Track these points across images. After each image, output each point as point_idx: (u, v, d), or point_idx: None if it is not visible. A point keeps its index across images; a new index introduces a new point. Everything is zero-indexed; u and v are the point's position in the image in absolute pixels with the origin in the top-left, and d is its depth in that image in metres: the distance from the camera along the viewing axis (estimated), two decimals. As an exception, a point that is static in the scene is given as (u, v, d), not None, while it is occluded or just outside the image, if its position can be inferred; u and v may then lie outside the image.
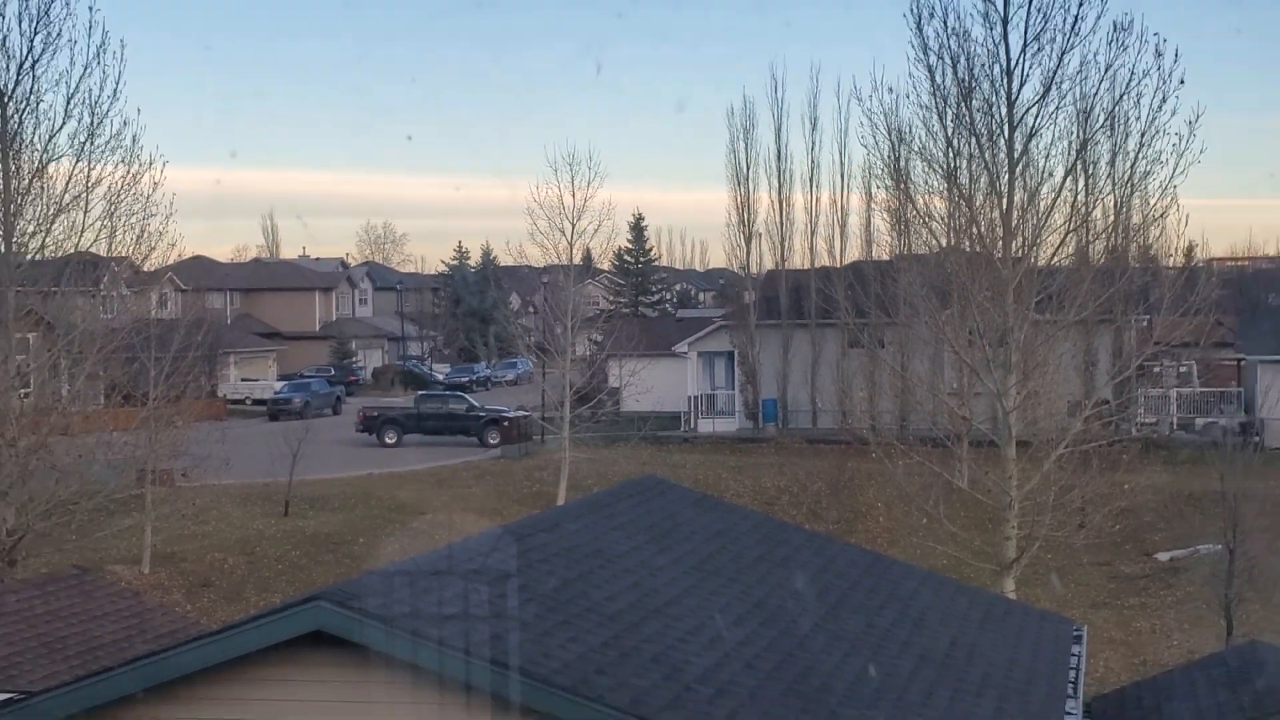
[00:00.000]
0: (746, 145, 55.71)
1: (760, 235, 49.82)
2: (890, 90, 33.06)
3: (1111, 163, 32.27)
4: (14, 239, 26.49)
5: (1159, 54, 26.24)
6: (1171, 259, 35.42)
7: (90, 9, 27.07)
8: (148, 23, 58.54)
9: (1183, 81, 25.90)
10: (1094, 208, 30.39)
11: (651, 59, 65.81)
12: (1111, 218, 33.10)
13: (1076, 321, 27.81)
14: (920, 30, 26.63)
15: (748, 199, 49.93)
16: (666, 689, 11.27)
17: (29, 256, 26.97)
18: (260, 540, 33.25)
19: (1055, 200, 26.88)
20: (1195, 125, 25.73)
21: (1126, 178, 31.72)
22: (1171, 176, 26.34)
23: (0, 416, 25.66)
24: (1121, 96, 26.59)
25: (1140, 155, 26.95)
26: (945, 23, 26.54)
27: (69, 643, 18.06)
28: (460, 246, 70.36)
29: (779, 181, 50.19)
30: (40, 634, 18.10)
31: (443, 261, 72.83)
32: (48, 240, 26.97)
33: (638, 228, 64.52)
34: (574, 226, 39.09)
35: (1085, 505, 26.89)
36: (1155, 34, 26.42)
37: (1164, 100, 25.60)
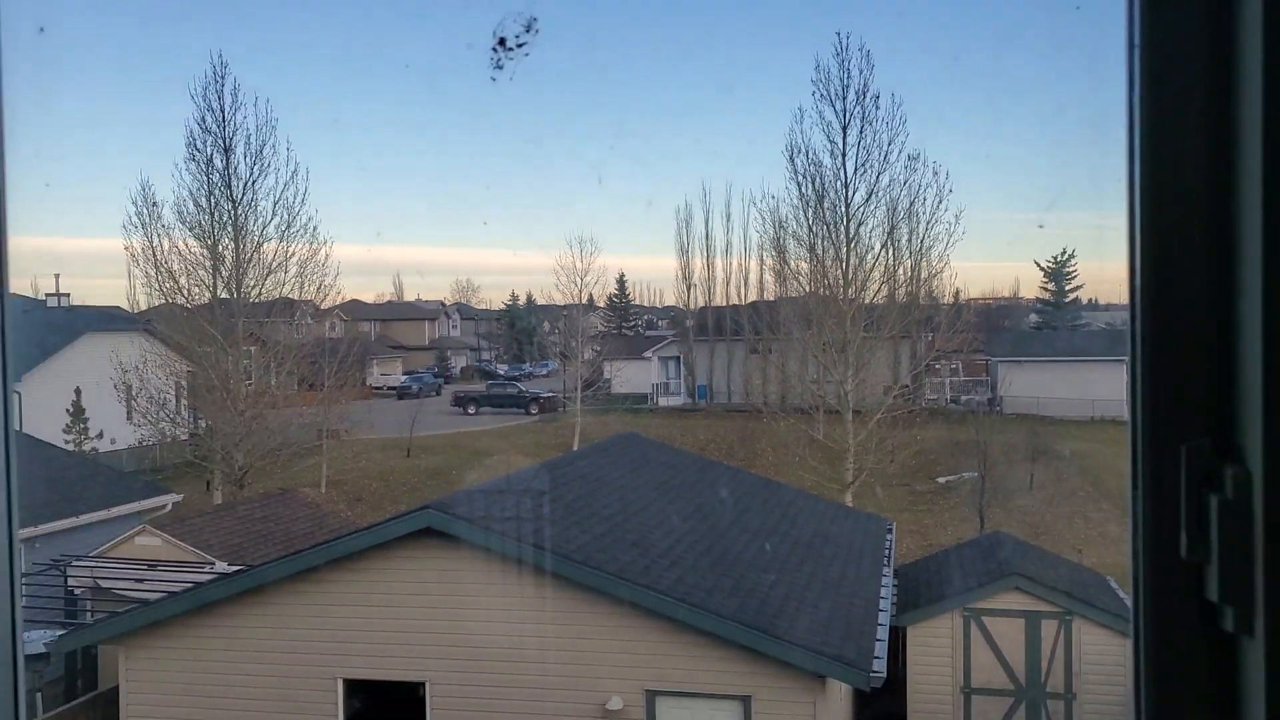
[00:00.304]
0: (686, 230, 70.84)
1: (695, 285, 58.97)
2: (773, 196, 42.48)
3: (909, 239, 35.34)
4: (241, 290, 34.50)
5: (935, 173, 36.39)
6: (946, 299, 39.38)
7: (288, 149, 35.88)
8: (326, 150, 68.54)
9: (951, 190, 35.00)
10: (898, 268, 36.25)
11: (631, 173, 76.65)
12: (909, 274, 37.00)
13: (888, 337, 35.68)
14: (792, 160, 34.78)
15: (687, 262, 59.49)
16: (640, 562, 14.50)
17: (250, 300, 34.62)
18: (392, 472, 38.00)
19: (874, 264, 34.83)
20: (959, 217, 35.77)
21: (918, 249, 35.47)
22: (945, 248, 35.06)
23: (234, 398, 33.35)
24: (914, 200, 33.94)
25: (925, 235, 34.47)
26: (807, 156, 34.60)
27: (275, 535, 22.70)
28: (513, 293, 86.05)
29: (706, 252, 60.20)
30: (258, 529, 22.93)
31: (503, 301, 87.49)
32: (262, 290, 34.88)
33: (621, 281, 79.05)
34: (582, 280, 48.44)
35: (894, 449, 33.29)
36: (934, 160, 36.25)
37: (940, 202, 34.06)
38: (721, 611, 13.74)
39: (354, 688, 15.02)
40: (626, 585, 13.71)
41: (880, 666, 13.38)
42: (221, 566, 19.03)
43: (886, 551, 19.67)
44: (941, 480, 36.48)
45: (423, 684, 14.46)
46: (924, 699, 17.19)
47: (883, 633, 14.61)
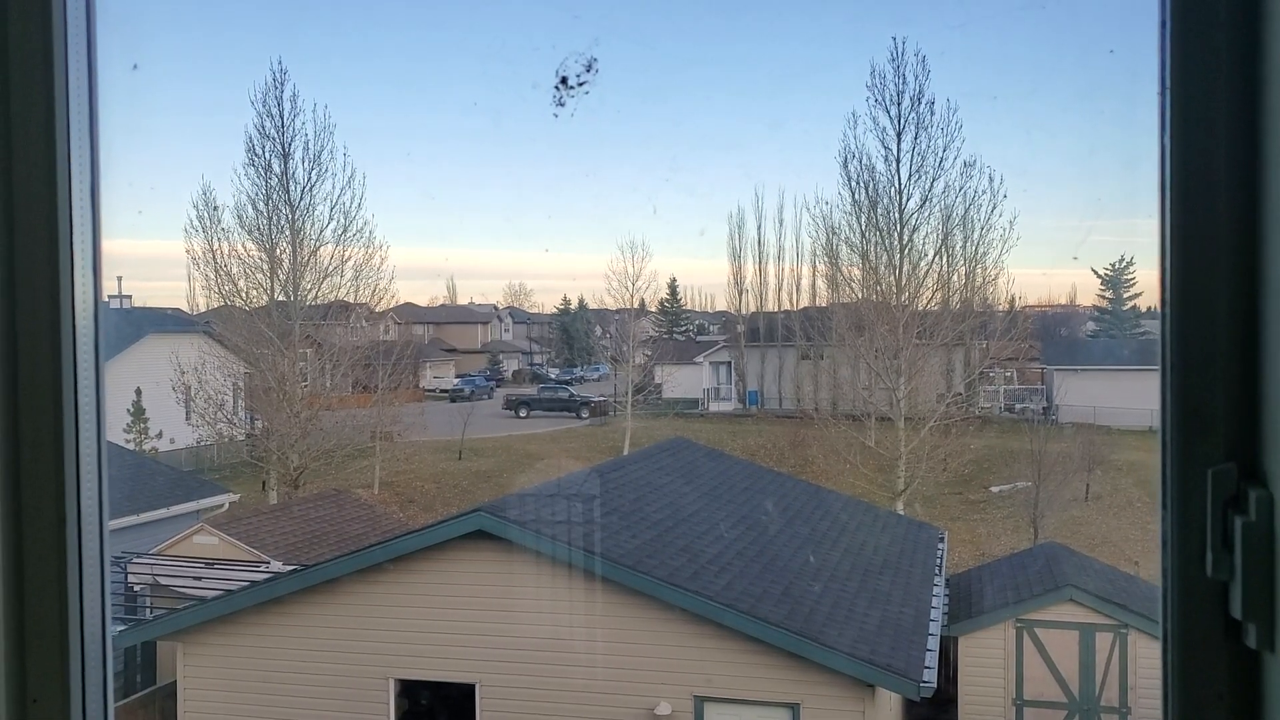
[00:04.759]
0: (739, 235, 70.72)
1: (747, 290, 57.02)
2: (826, 203, 40.94)
3: (963, 246, 34.56)
4: (298, 293, 34.62)
5: (991, 180, 35.12)
6: (1001, 306, 38.31)
7: (344, 154, 37.77)
8: (381, 158, 69.43)
9: (1005, 196, 33.00)
10: (952, 275, 35.14)
11: (683, 203, 76.99)
12: (963, 281, 35.81)
13: (941, 344, 34.95)
14: (845, 166, 34.03)
15: (740, 267, 57.00)
16: (689, 567, 14.48)
17: (308, 303, 34.45)
18: (444, 474, 37.82)
19: (928, 271, 34.22)
20: (1014, 223, 33.64)
21: (973, 256, 34.53)
22: (999, 255, 33.86)
23: (290, 399, 33.32)
24: (969, 207, 33.02)
25: (980, 242, 33.66)
26: (860, 162, 33.84)
27: (329, 535, 22.61)
28: (565, 298, 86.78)
29: (759, 257, 60.68)
30: (312, 529, 22.90)
31: (555, 306, 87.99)
32: (318, 294, 34.90)
33: (673, 286, 78.97)
34: (633, 285, 46.77)
35: (946, 457, 32.09)
36: (989, 166, 34.22)
37: (994, 208, 32.85)
38: (770, 618, 13.73)
39: (405, 687, 15.18)
40: (676, 590, 13.75)
41: (930, 676, 13.33)
42: (277, 566, 19.25)
43: (938, 561, 19.71)
44: (995, 489, 35.80)
45: (473, 685, 14.58)
46: (975, 710, 17.11)
47: (933, 642, 14.54)
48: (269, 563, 19.81)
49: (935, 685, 13.48)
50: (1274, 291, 1.02)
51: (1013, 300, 38.15)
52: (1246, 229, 1.05)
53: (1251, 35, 1.03)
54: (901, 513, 29.07)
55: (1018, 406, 42.94)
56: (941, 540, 21.55)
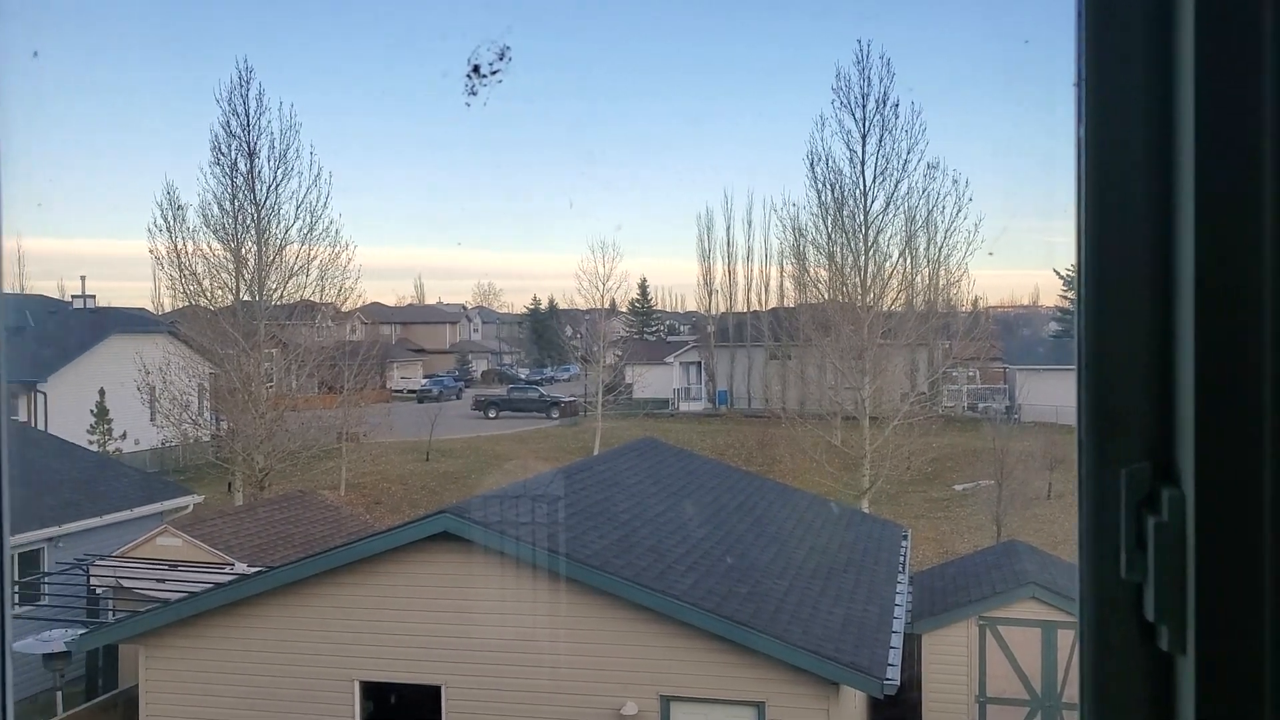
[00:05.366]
0: (708, 237, 71.62)
1: (717, 291, 59.89)
2: (794, 204, 42.91)
3: (927, 248, 36.11)
4: (263, 293, 34.68)
5: (955, 182, 37.57)
6: (964, 307, 39.32)
7: (311, 152, 38.46)
8: (347, 158, 69.55)
9: (970, 199, 35.14)
10: (916, 276, 37.02)
11: (654, 182, 77.89)
12: (927, 282, 37.72)
13: (906, 344, 36.07)
14: (812, 168, 35.47)
15: (709, 268, 60.81)
16: (655, 567, 14.69)
17: (273, 303, 35.14)
18: (411, 475, 38.60)
19: (892, 271, 35.38)
20: (978, 225, 35.54)
21: (936, 258, 36.28)
22: (963, 257, 35.77)
23: (255, 400, 33.45)
24: (932, 209, 34.37)
25: (944, 244, 35.00)
26: (827, 164, 35.30)
27: (295, 537, 22.77)
28: (535, 298, 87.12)
29: (728, 258, 62.30)
30: (278, 531, 23.06)
31: (525, 306, 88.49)
32: (284, 294, 35.21)
33: (643, 286, 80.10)
34: (604, 285, 48.71)
35: (910, 456, 33.42)
36: (954, 168, 36.60)
37: (959, 210, 35.77)
38: (736, 617, 13.74)
39: (370, 689, 15.12)
40: (642, 590, 13.77)
41: (894, 674, 13.39)
42: (241, 567, 19.18)
43: (902, 559, 19.64)
44: (958, 488, 36.57)
45: (439, 687, 14.53)
46: (939, 707, 17.24)
47: (897, 640, 14.60)
48: (233, 564, 19.68)
49: (899, 683, 13.52)
50: (1185, 288, 1.00)
51: (976, 301, 39.01)
52: (1161, 226, 1.04)
53: (1165, 25, 1.01)
54: (867, 511, 29.11)
55: (980, 406, 43.41)
56: (905, 538, 21.58)
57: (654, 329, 78.40)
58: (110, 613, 19.24)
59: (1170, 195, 1.03)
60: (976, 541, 29.21)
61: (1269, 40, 0.96)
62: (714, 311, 59.17)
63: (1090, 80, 1.05)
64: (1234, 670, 0.96)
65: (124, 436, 37.94)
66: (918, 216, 34.64)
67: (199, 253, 34.53)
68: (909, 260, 35.84)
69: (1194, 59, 0.98)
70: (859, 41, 35.26)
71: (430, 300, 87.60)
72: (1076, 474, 1.08)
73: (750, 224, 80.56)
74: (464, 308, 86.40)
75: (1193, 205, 0.99)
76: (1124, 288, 1.05)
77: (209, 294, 34.97)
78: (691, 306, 73.39)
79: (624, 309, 73.02)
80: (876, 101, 33.78)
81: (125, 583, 19.61)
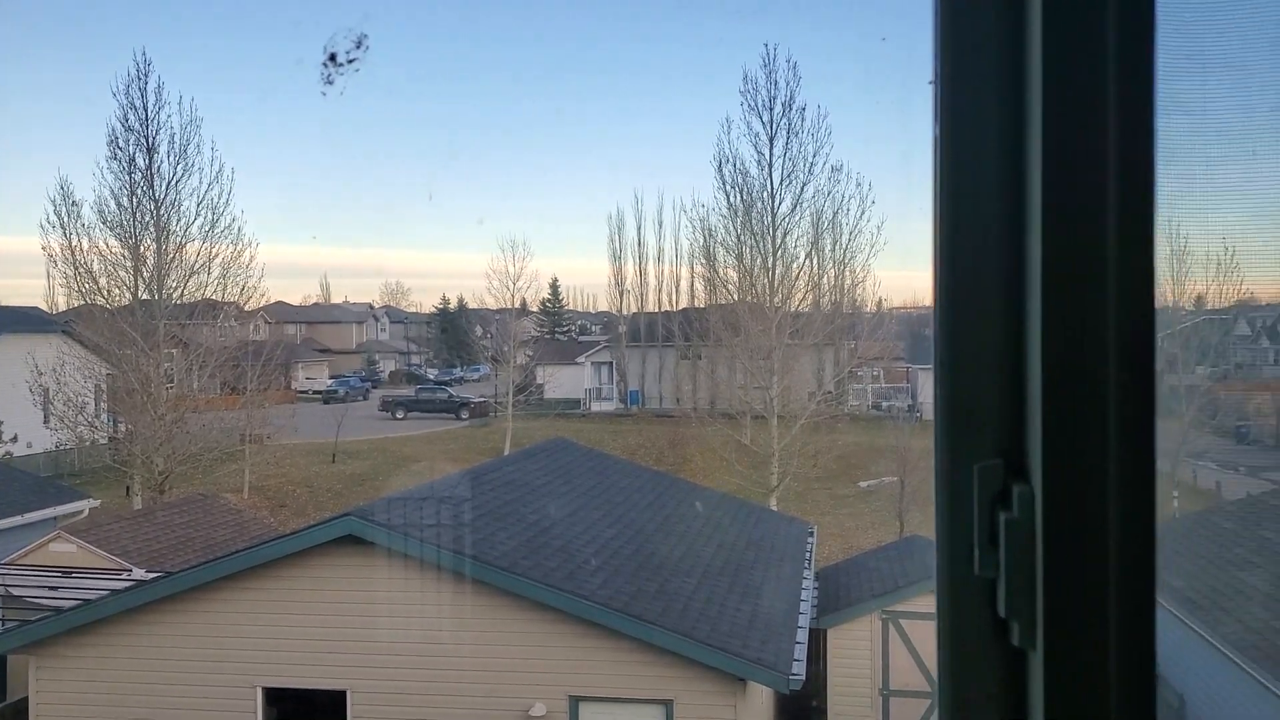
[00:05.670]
0: (619, 237, 71.95)
1: (628, 291, 60.51)
2: (703, 205, 43.32)
3: (833, 249, 36.61)
4: (163, 291, 33.89)
5: (859, 185, 38.08)
6: (869, 307, 40.16)
7: (213, 147, 38.19)
8: (250, 153, 68.32)
9: (873, 202, 35.35)
10: (822, 277, 37.46)
11: (565, 181, 78.20)
12: (833, 283, 38.09)
13: (813, 344, 36.53)
14: (720, 170, 35.86)
15: (620, 269, 61.11)
16: (565, 567, 14.63)
17: (173, 302, 34.30)
18: (317, 478, 38.42)
19: (800, 272, 35.84)
20: (880, 228, 35.58)
21: (842, 259, 36.84)
22: (867, 258, 36.93)
23: (155, 401, 32.80)
24: (837, 211, 35.06)
25: (849, 245, 35.72)
26: (735, 166, 35.56)
27: (195, 541, 22.52)
28: (444, 297, 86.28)
29: (639, 259, 62.98)
30: (178, 536, 22.72)
31: (434, 305, 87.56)
32: (184, 292, 34.45)
33: (554, 286, 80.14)
34: (515, 284, 48.72)
35: (817, 454, 33.74)
36: (857, 172, 37.17)
37: (863, 212, 35.28)
38: (645, 616, 13.76)
39: (273, 696, 14.85)
40: (550, 591, 13.73)
41: (799, 669, 13.52)
42: (139, 573, 18.78)
43: (808, 555, 19.80)
44: (863, 484, 37.10)
45: (344, 692, 14.35)
46: (844, 701, 17.48)
47: (802, 635, 14.75)
48: (131, 570, 19.25)
49: (804, 677, 13.69)
50: (1033, 288, 1.01)
51: (880, 301, 39.72)
52: (1014, 226, 1.05)
53: (1017, 22, 1.02)
54: (775, 508, 29.47)
55: (884, 404, 43.94)
56: (811, 534, 21.85)
57: (565, 329, 78.37)
58: (0, 622, 18.50)
59: (1022, 196, 1.04)
60: (880, 537, 29.69)
61: (1112, 38, 0.97)
62: (625, 312, 59.85)
63: (946, 77, 1.06)
64: (1081, 665, 0.97)
65: (15, 440, 36.91)
66: (823, 219, 35.24)
67: (95, 250, 33.79)
68: (816, 261, 36.42)
69: (1041, 57, 0.99)
70: (765, 45, 34.88)
71: (336, 299, 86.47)
72: (934, 472, 1.08)
73: (661, 225, 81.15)
74: (371, 307, 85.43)
75: (1040, 207, 1.00)
76: (977, 288, 1.05)
77: (106, 292, 34.19)
78: (603, 306, 73.62)
79: (535, 309, 72.90)
80: (783, 105, 34.28)
81: (16, 591, 18.97)
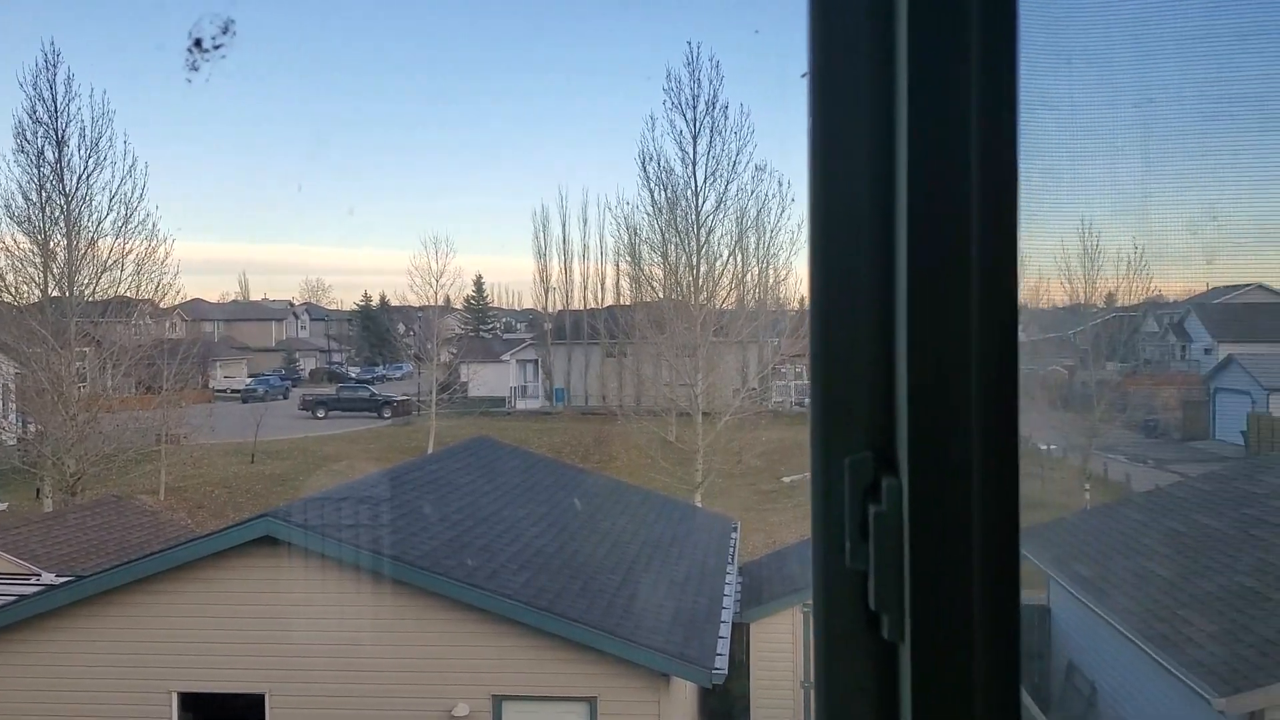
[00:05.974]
0: (544, 234, 71.79)
1: (554, 289, 59.82)
2: (628, 203, 43.13)
3: (756, 248, 37.17)
4: (74, 288, 33.10)
5: (780, 184, 36.74)
6: (792, 305, 40.41)
7: (125, 141, 35.96)
8: (169, 147, 66.62)
9: (794, 200, 35.65)
10: (746, 274, 37.90)
11: (490, 178, 78.18)
12: (756, 280, 38.83)
13: (737, 342, 36.79)
14: (644, 167, 36.05)
15: (545, 266, 60.40)
16: (488, 567, 14.57)
17: (85, 299, 33.49)
18: (236, 478, 37.38)
19: (723, 271, 36.09)
20: (801, 226, 35.94)
21: (764, 256, 37.55)
22: (789, 256, 36.62)
23: (66, 401, 31.84)
24: (760, 209, 35.48)
25: (771, 243, 36.28)
26: (659, 163, 35.96)
27: (109, 544, 21.84)
28: (366, 294, 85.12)
29: (564, 256, 62.65)
30: (90, 539, 22.15)
31: (355, 303, 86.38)
32: (97, 289, 33.70)
33: (479, 283, 79.50)
34: (438, 281, 48.32)
35: (741, 450, 33.84)
36: (778, 170, 35.97)
37: (784, 211, 35.75)
38: (568, 614, 13.76)
39: (189, 701, 14.58)
40: (472, 590, 13.65)
41: (722, 664, 13.57)
42: (49, 578, 18.22)
43: (731, 550, 19.91)
44: (786, 480, 37.25)
45: (263, 695, 14.14)
46: (766, 694, 17.58)
47: (725, 630, 14.80)
48: (40, 575, 18.75)
49: (727, 672, 13.72)
50: (901, 283, 1.02)
51: (802, 299, 39.82)
52: (884, 222, 1.05)
53: (887, 18, 1.02)
54: (699, 504, 29.17)
55: (806, 400, 42.43)
56: (735, 530, 21.95)
57: (490, 326, 77.87)
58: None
59: (892, 193, 1.04)
60: (803, 531, 26.54)
61: (976, 34, 0.98)
62: (551, 309, 59.28)
63: (818, 71, 1.06)
64: (948, 658, 0.98)
65: (-82, 441, 35.65)
66: (747, 216, 35.58)
67: (1, 246, 33.05)
68: (739, 259, 36.67)
69: (907, 53, 0.99)
70: (689, 44, 35.77)
71: (255, 297, 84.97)
72: (810, 466, 1.08)
73: (586, 222, 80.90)
74: (291, 304, 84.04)
75: (906, 204, 1.00)
76: (848, 283, 1.06)
77: (13, 289, 33.45)
78: (528, 304, 73.26)
79: (459, 306, 72.30)
80: (706, 103, 34.50)
81: (-83, 598, 18.51)
